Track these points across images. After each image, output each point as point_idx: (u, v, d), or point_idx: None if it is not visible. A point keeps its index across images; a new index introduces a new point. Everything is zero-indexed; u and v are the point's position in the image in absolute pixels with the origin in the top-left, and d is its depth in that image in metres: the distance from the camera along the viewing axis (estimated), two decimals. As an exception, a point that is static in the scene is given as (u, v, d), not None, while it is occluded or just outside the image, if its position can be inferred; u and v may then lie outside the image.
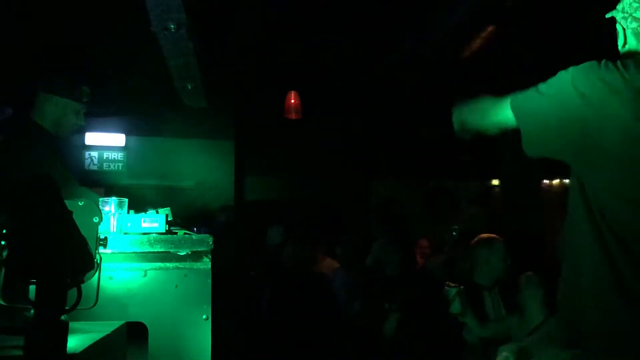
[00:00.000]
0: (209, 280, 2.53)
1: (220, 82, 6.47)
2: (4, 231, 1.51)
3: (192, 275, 2.53)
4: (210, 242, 2.56)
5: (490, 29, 5.16)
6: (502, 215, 7.75)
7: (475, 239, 4.27)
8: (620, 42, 2.07)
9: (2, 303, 1.57)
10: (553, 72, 1.94)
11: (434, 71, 6.25)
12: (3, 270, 1.55)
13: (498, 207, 8.22)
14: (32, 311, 1.45)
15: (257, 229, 5.36)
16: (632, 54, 1.98)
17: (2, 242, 1.52)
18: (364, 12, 5.41)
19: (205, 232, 2.69)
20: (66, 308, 1.51)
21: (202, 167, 6.85)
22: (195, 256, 2.55)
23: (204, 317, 2.49)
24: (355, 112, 7.29)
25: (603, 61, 1.87)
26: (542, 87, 1.94)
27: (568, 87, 1.86)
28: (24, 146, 3.06)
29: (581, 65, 1.88)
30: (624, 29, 2.04)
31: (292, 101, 6.97)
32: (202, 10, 4.68)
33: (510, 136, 2.08)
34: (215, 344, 2.48)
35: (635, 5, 1.99)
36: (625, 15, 2.02)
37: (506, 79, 6.72)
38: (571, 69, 1.89)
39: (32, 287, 1.50)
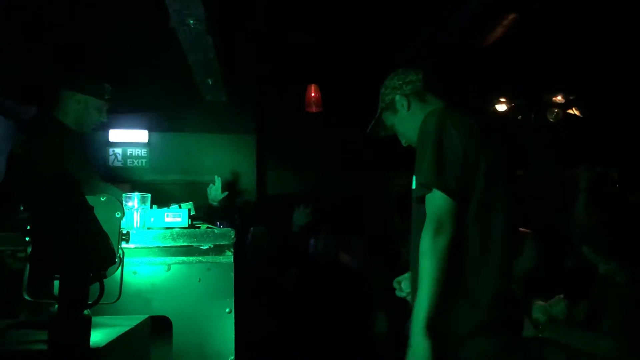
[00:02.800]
0: (232, 274, 2.54)
1: (241, 76, 6.48)
2: (28, 227, 1.53)
3: (215, 269, 2.54)
4: (233, 236, 2.57)
5: (510, 17, 5.10)
6: (527, 205, 7.67)
7: None
8: (401, 110, 2.48)
9: (28, 298, 1.59)
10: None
11: (452, 60, 6.19)
12: (28, 266, 1.57)
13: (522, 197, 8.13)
14: (56, 306, 1.47)
15: (279, 222, 5.36)
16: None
17: (27, 239, 1.53)
18: (383, 3, 5.38)
19: (227, 226, 2.71)
20: (89, 303, 1.53)
21: (224, 162, 6.88)
22: (218, 250, 2.56)
23: (227, 310, 2.50)
24: (376, 105, 7.24)
25: None
26: None
27: None
28: (47, 144, 3.10)
29: None
30: (405, 97, 2.47)
31: (313, 94, 6.95)
32: (221, 4, 4.68)
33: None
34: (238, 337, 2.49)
35: (402, 77, 2.52)
36: (398, 87, 2.51)
37: (524, 68, 6.66)
38: None
39: (57, 283, 1.52)
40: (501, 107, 7.61)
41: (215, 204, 4.89)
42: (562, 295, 3.35)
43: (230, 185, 6.74)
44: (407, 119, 2.46)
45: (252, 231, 5.03)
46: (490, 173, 2.13)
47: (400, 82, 2.50)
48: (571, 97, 7.36)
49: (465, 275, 2.05)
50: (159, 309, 2.42)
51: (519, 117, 7.72)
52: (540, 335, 3.41)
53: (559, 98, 7.40)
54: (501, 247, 2.11)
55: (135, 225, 2.54)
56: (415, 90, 2.46)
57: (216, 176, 4.99)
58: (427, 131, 2.15)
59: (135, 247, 2.47)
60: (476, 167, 2.11)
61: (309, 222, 5.11)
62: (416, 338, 1.94)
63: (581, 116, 7.52)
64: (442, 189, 2.04)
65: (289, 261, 4.94)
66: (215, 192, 4.88)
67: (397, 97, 2.47)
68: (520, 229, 4.14)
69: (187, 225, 2.57)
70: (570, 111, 7.49)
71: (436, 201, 2.04)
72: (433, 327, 1.93)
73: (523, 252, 3.97)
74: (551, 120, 7.46)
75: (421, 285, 1.96)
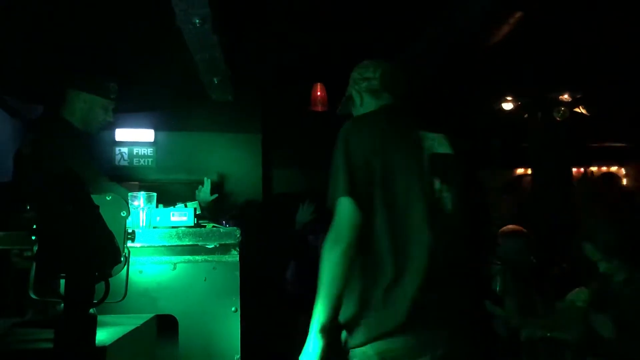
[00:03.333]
0: (238, 273, 2.55)
1: (247, 75, 6.48)
2: (34, 227, 1.54)
3: (220, 268, 2.55)
4: (238, 235, 2.58)
5: (516, 15, 5.08)
6: (533, 203, 7.66)
7: (501, 229, 4.24)
8: (357, 105, 2.48)
9: (34, 297, 1.60)
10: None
11: (457, 60, 6.18)
12: (34, 265, 1.58)
13: (528, 196, 8.13)
14: (62, 305, 1.47)
15: (285, 221, 5.36)
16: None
17: (33, 238, 1.54)
18: (389, 2, 5.37)
19: (233, 225, 2.71)
20: (94, 302, 1.53)
21: (230, 161, 6.88)
22: (224, 249, 2.57)
23: (233, 309, 2.51)
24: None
25: None
26: None
27: None
28: (54, 143, 3.10)
29: None
30: (359, 93, 2.47)
31: (319, 93, 6.95)
32: (227, 3, 4.68)
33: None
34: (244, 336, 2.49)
35: (361, 72, 2.47)
36: (355, 82, 2.49)
37: (536, 66, 6.63)
38: None
39: (62, 282, 1.52)
40: (507, 106, 7.60)
41: (204, 205, 4.84)
42: (583, 287, 3.38)
43: (235, 184, 6.75)
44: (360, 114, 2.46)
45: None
46: (401, 177, 2.09)
47: (358, 77, 2.48)
48: (578, 96, 7.34)
49: (370, 279, 2.04)
50: (164, 308, 2.43)
51: (525, 115, 7.71)
52: (548, 334, 3.41)
53: (565, 96, 7.38)
54: (416, 248, 2.04)
55: (141, 224, 2.55)
56: (370, 88, 2.43)
57: (205, 178, 4.93)
58: (337, 140, 2.23)
59: (141, 246, 2.48)
60: (383, 172, 2.09)
61: (312, 220, 5.09)
62: (311, 338, 2.01)
63: (588, 115, 7.50)
64: (341, 199, 2.08)
65: (290, 258, 4.94)
66: (204, 194, 4.81)
67: (353, 92, 2.49)
68: (513, 226, 4.18)
69: (192, 225, 2.58)
70: (576, 109, 7.47)
71: (338, 211, 2.08)
72: (327, 329, 1.99)
73: (517, 250, 4.02)
74: (558, 118, 7.44)
75: (318, 290, 2.03)
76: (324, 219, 5.26)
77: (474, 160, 2.32)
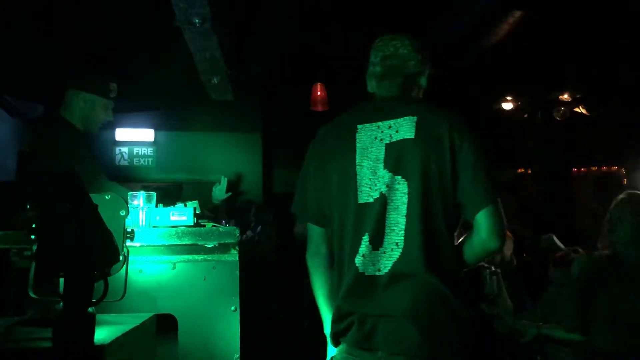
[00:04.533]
0: (237, 272, 2.55)
1: (247, 75, 6.48)
2: (34, 226, 1.54)
3: (220, 267, 2.55)
4: (238, 234, 2.58)
5: (517, 14, 5.08)
6: (533, 202, 7.67)
7: None
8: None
9: (33, 296, 1.60)
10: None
11: (460, 59, 6.18)
12: (33, 264, 1.58)
13: (528, 195, 8.13)
14: (61, 304, 1.48)
15: (285, 220, 5.37)
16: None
17: (32, 237, 1.54)
18: (387, 3, 5.38)
19: (233, 225, 2.71)
20: (93, 300, 1.53)
21: (230, 161, 6.89)
22: (223, 248, 2.57)
23: (233, 308, 2.51)
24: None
25: None
26: None
27: None
28: (53, 143, 3.10)
29: None
30: (368, 79, 2.27)
31: (319, 93, 6.96)
32: (227, 3, 4.68)
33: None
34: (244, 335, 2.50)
35: (373, 52, 2.24)
36: (369, 61, 2.26)
37: (536, 66, 6.63)
38: None
39: (62, 280, 1.53)
40: (507, 106, 7.60)
41: (217, 202, 4.92)
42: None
43: (236, 184, 6.76)
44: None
45: (259, 229, 5.05)
46: (336, 184, 2.06)
47: (370, 57, 2.28)
48: (578, 96, 7.35)
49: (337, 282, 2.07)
50: (164, 307, 2.43)
51: (525, 115, 7.71)
52: (541, 330, 3.43)
53: (565, 96, 7.38)
54: (346, 255, 2.01)
55: (140, 223, 2.55)
56: (373, 74, 2.25)
57: (223, 176, 5.01)
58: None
59: (141, 246, 2.48)
60: (324, 183, 2.10)
61: None
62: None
63: (588, 114, 7.50)
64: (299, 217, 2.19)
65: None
66: (220, 192, 4.91)
67: (367, 74, 2.32)
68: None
69: (192, 224, 2.58)
70: (577, 109, 7.47)
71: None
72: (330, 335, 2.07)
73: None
74: (558, 118, 7.44)
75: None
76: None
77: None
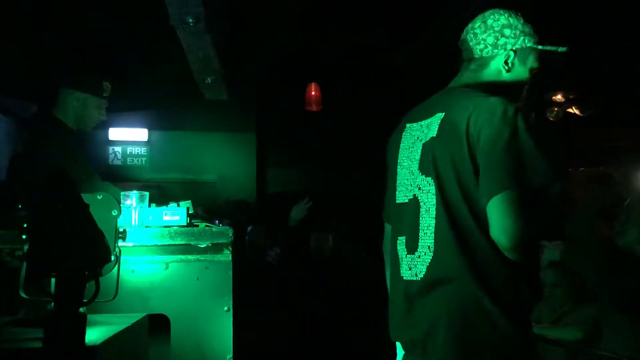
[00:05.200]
0: (230, 272, 2.54)
1: (241, 74, 6.48)
2: (25, 225, 1.53)
3: (213, 267, 2.54)
4: (231, 235, 2.57)
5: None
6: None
7: None
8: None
9: (24, 296, 1.59)
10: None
11: (454, 59, 6.19)
12: (25, 264, 1.58)
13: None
14: (52, 304, 1.47)
15: (279, 220, 5.36)
16: None
17: (23, 237, 1.54)
18: (383, 2, 5.38)
19: (226, 225, 2.70)
20: (84, 301, 1.53)
21: (225, 160, 6.89)
22: (216, 248, 2.56)
23: (225, 308, 2.50)
24: (376, 103, 7.27)
25: None
26: None
27: None
28: (46, 142, 3.09)
29: None
30: None
31: (313, 93, 6.96)
32: (221, 2, 4.68)
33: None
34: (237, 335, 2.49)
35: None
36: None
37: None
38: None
39: (53, 280, 1.52)
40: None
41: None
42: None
43: (230, 184, 6.75)
44: None
45: (249, 230, 5.03)
46: (391, 181, 2.08)
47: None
48: (571, 96, 7.36)
49: None
50: (157, 307, 2.42)
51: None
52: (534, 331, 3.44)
53: (558, 97, 7.39)
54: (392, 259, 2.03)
55: (133, 223, 2.54)
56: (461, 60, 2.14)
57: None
58: None
59: (134, 246, 2.47)
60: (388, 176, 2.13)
61: (306, 217, 5.07)
62: None
63: (581, 115, 7.52)
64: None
65: (288, 257, 4.94)
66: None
67: None
68: None
69: (185, 224, 2.57)
70: (570, 110, 7.48)
71: None
72: None
73: None
74: (551, 119, 7.46)
75: None
76: (318, 218, 5.27)
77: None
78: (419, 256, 1.85)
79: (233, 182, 6.82)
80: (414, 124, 2.01)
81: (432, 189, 1.85)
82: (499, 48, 2.00)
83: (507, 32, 2.00)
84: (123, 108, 6.14)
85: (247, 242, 4.97)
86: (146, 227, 2.54)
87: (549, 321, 3.52)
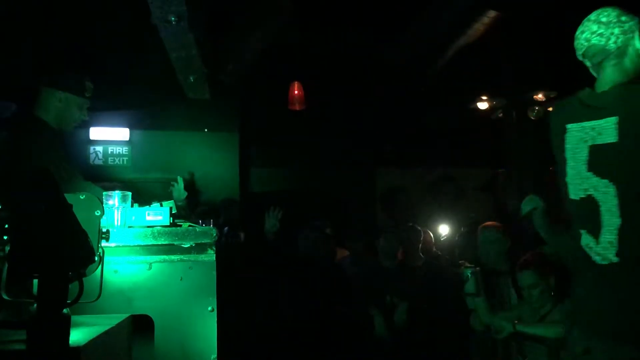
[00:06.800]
0: (214, 272, 2.53)
1: (223, 73, 6.46)
2: (6, 226, 1.51)
3: (196, 268, 2.53)
4: (214, 234, 2.56)
5: (492, 15, 5.12)
6: (508, 202, 7.73)
7: (479, 227, 4.34)
8: None
9: (6, 298, 1.57)
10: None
11: (438, 60, 6.23)
12: (6, 265, 1.56)
13: (504, 195, 8.20)
14: (35, 305, 1.46)
15: (262, 221, 5.34)
16: None
17: (5, 237, 1.52)
18: (366, 1, 5.40)
19: (209, 224, 2.69)
20: (68, 302, 1.51)
21: (207, 160, 6.86)
22: (200, 248, 2.55)
23: (210, 308, 2.49)
24: (359, 102, 7.29)
25: None
26: None
27: None
28: (27, 142, 3.06)
29: None
30: None
31: (296, 92, 6.96)
32: (203, 1, 4.66)
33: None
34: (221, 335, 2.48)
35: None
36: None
37: (511, 66, 6.69)
38: None
39: (35, 282, 1.50)
40: (483, 105, 7.66)
41: (180, 203, 4.78)
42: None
43: (212, 183, 6.72)
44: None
45: (226, 231, 4.98)
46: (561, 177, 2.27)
47: None
48: (552, 95, 7.42)
49: None
50: (140, 308, 2.41)
51: (500, 114, 7.77)
52: (516, 328, 3.47)
53: (540, 96, 7.45)
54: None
55: (116, 223, 2.52)
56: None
57: (178, 176, 4.85)
58: None
59: (117, 246, 2.45)
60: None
61: (289, 217, 5.00)
62: None
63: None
64: None
65: (274, 261, 4.89)
66: (178, 192, 4.76)
67: None
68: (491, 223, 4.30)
69: (168, 224, 2.55)
70: (551, 109, 7.54)
71: None
72: None
73: (495, 241, 4.13)
74: (532, 118, 7.51)
75: None
76: (301, 218, 5.23)
77: None
78: (603, 249, 2.07)
79: (216, 181, 6.79)
80: (576, 125, 2.18)
81: (612, 190, 2.03)
82: (627, 33, 2.21)
83: (623, 18, 2.23)
84: (104, 107, 6.10)
85: (222, 244, 4.91)
86: (129, 227, 2.53)
87: (531, 322, 3.55)
